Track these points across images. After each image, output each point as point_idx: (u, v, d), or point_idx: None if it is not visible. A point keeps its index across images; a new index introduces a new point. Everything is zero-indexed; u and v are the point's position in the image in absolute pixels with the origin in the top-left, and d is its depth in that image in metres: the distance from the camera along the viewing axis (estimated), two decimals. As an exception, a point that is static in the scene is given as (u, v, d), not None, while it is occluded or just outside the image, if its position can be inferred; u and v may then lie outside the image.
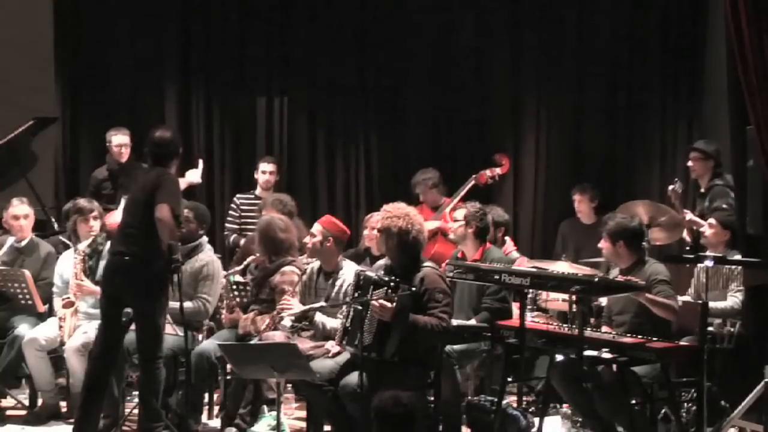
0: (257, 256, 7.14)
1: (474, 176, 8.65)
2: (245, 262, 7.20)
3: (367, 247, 7.74)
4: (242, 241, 8.52)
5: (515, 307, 6.66)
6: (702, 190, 7.87)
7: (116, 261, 6.34)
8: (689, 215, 7.59)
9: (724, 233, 7.00)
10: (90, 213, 7.27)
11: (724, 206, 7.29)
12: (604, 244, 6.40)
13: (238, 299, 7.10)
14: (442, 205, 8.58)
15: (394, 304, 5.80)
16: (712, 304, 6.47)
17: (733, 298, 6.85)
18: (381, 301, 5.81)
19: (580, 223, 8.65)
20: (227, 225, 8.84)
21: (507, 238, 7.93)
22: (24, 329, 7.24)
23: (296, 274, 6.77)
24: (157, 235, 6.16)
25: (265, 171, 8.86)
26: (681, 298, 6.57)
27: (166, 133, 6.55)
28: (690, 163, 7.94)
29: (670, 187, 7.96)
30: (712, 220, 7.09)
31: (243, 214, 8.77)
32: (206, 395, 7.16)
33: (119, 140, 8.79)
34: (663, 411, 6.25)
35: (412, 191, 8.63)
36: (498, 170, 8.77)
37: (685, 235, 7.78)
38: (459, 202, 8.27)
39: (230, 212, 8.87)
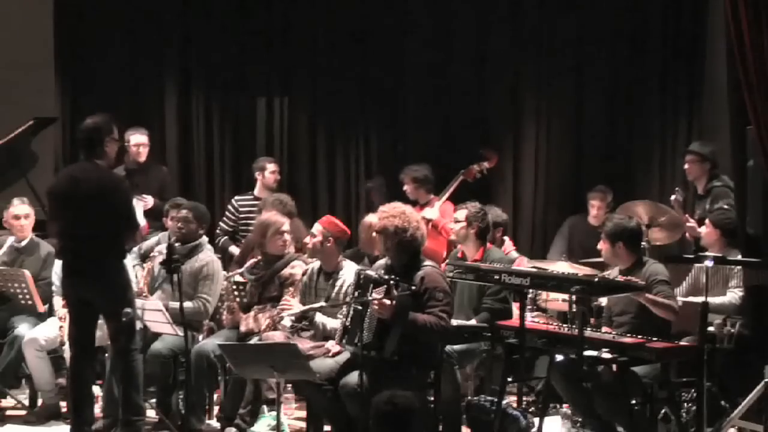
0: (258, 258, 7.13)
1: (462, 171, 8.61)
2: (248, 263, 7.16)
3: (367, 247, 7.73)
4: (226, 243, 8.64)
5: (515, 307, 6.66)
6: (700, 193, 7.85)
7: (78, 264, 6.29)
8: (691, 222, 7.55)
9: (715, 231, 7.00)
10: None
11: (726, 207, 7.27)
12: (603, 245, 6.40)
13: (238, 299, 7.09)
14: (429, 202, 8.54)
15: (394, 302, 5.80)
16: (709, 299, 6.46)
17: (732, 294, 6.85)
18: (381, 299, 5.81)
19: (587, 223, 8.59)
20: (221, 225, 8.80)
21: (506, 238, 7.93)
22: (24, 329, 7.25)
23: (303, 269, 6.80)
24: (115, 234, 6.20)
25: (273, 171, 8.85)
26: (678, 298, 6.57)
27: (93, 119, 6.45)
28: (686, 166, 7.92)
29: (672, 197, 7.93)
30: (707, 222, 7.10)
31: (241, 216, 8.73)
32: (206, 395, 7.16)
33: (137, 140, 8.75)
34: (663, 411, 6.24)
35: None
36: (485, 164, 8.73)
37: (688, 236, 7.77)
38: (448, 200, 8.31)
39: (227, 214, 8.82)
